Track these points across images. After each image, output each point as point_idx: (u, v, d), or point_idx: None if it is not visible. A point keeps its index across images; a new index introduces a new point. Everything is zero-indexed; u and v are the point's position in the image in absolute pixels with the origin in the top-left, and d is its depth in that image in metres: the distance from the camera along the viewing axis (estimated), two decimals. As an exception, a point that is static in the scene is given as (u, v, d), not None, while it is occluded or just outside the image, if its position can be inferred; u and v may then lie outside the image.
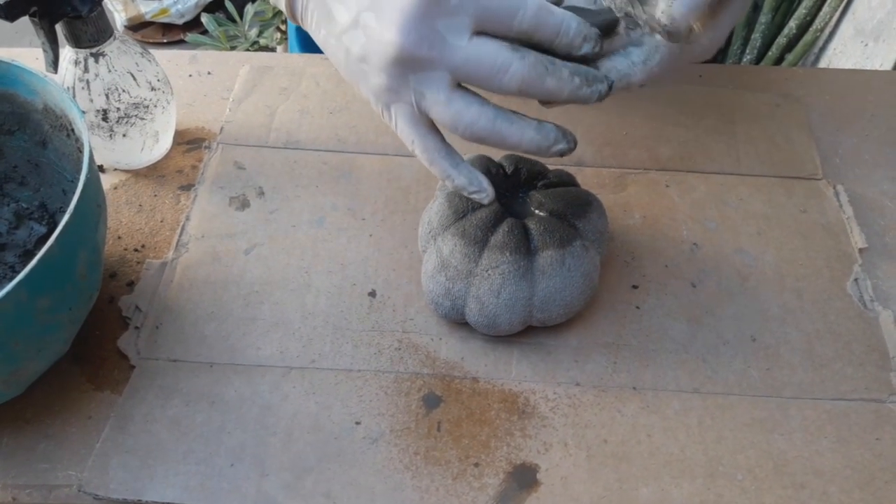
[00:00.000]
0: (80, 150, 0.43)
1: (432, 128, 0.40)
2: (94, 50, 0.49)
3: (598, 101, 0.38)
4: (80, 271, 0.39)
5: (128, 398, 0.43)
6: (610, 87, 0.38)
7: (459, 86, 0.38)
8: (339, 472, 0.41)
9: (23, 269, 0.34)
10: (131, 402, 0.43)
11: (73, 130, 0.43)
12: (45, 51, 0.47)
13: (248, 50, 1.50)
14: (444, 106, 0.37)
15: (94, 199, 0.40)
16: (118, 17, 1.74)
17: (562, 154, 0.40)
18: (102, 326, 0.47)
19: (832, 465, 0.41)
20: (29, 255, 0.48)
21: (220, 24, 1.53)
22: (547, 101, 0.40)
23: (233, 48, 1.50)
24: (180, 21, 1.75)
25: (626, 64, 0.39)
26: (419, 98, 0.38)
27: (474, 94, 0.38)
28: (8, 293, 0.34)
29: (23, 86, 0.45)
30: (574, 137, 0.40)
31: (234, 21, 1.55)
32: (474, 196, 0.41)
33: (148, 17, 1.74)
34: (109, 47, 0.49)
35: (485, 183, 0.41)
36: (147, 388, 0.44)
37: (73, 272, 0.39)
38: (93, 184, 0.40)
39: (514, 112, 0.38)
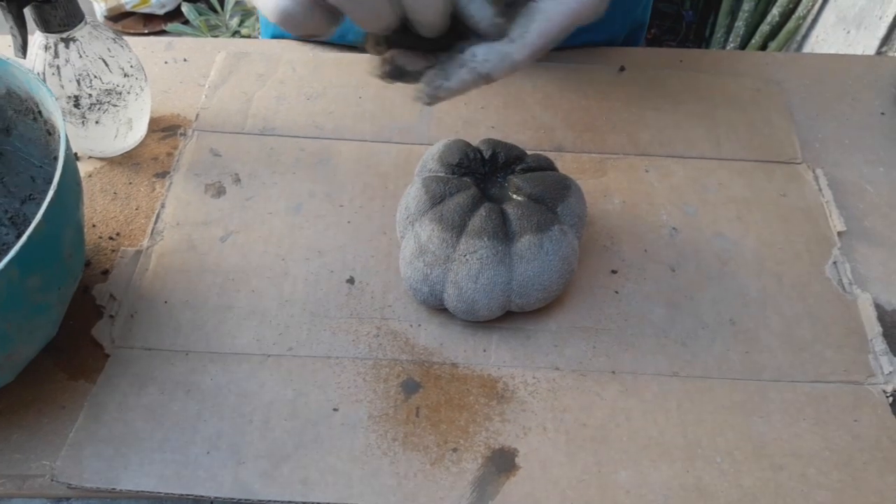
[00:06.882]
0: (50, 133, 0.42)
1: None
2: (64, 35, 0.48)
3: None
4: (66, 250, 0.39)
5: (102, 387, 0.43)
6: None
7: None
8: (316, 458, 0.40)
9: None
10: (105, 391, 0.43)
11: (40, 113, 0.42)
12: (13, 36, 0.46)
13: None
14: None
15: (73, 178, 0.40)
16: (98, 7, 1.71)
17: None
18: (76, 315, 0.46)
19: (811, 446, 0.41)
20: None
21: (200, 14, 1.52)
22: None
23: (214, 38, 1.49)
24: (161, 11, 1.73)
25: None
26: None
27: None
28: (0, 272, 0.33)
29: None
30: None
31: (215, 11, 1.54)
32: None
33: (128, 8, 1.71)
34: (80, 32, 0.48)
35: None
36: (121, 377, 0.43)
37: (60, 251, 0.38)
38: (71, 162, 0.39)
39: None
